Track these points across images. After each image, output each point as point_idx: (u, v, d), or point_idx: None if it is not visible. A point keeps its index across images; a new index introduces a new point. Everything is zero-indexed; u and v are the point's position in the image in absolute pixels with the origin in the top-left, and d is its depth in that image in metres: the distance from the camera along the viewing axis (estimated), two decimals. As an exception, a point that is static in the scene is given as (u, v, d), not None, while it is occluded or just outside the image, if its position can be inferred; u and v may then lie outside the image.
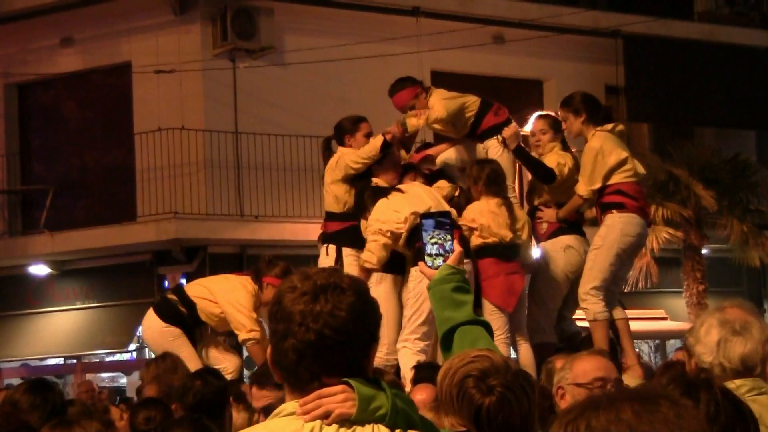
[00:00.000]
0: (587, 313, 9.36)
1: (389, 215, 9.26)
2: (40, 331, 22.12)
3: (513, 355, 9.37)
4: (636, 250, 9.86)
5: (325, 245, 10.06)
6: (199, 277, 19.84)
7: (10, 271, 22.03)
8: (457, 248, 4.35)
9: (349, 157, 9.74)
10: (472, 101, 9.93)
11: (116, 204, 21.37)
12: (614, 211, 9.34)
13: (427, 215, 4.48)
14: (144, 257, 20.90)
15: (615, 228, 9.33)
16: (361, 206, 9.59)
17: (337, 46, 20.29)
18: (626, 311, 10.04)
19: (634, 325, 9.79)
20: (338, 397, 3.09)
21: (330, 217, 10.09)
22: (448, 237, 4.33)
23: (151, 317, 10.09)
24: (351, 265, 9.69)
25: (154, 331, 9.99)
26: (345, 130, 9.95)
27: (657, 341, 24.71)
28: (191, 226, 20.26)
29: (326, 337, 3.11)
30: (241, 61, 20.62)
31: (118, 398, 15.84)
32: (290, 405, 3.15)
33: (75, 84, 22.21)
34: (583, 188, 9.47)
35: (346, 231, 9.90)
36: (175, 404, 6.55)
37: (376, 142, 9.66)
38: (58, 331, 21.96)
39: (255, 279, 9.87)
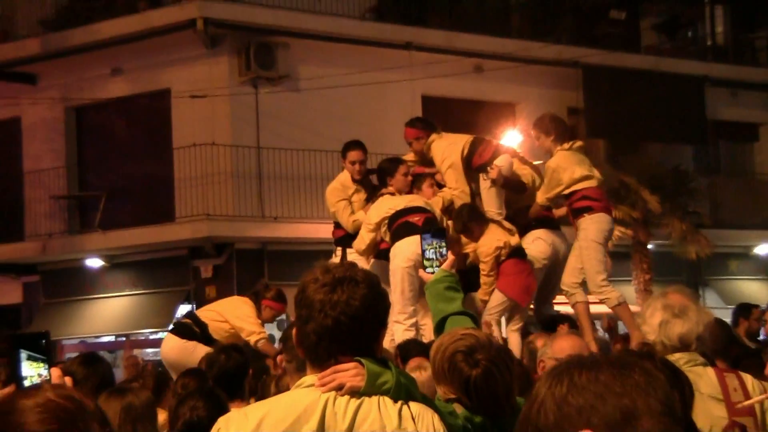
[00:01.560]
0: (608, 302, 9.40)
1: (375, 213, 9.44)
2: (95, 313, 22.11)
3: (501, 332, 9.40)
4: (608, 241, 9.93)
5: (336, 247, 10.20)
6: (227, 269, 19.87)
7: (70, 263, 22.02)
8: (450, 256, 4.50)
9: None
10: (462, 150, 9.83)
11: (158, 207, 21.34)
12: (585, 215, 9.40)
13: (426, 229, 4.64)
14: (181, 252, 20.88)
15: (590, 228, 9.37)
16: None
17: (343, 75, 20.26)
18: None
19: (591, 309, 9.78)
20: (350, 372, 3.13)
21: (337, 225, 10.20)
22: (443, 244, 4.50)
23: (169, 339, 9.97)
24: (354, 261, 9.73)
25: (174, 349, 9.80)
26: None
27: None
28: (220, 225, 20.24)
29: (342, 323, 3.15)
30: (262, 87, 20.61)
31: (160, 369, 15.76)
32: (310, 378, 3.19)
33: (123, 107, 22.19)
34: (541, 197, 9.59)
35: (348, 236, 9.96)
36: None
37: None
38: (109, 313, 21.94)
39: (255, 301, 9.89)
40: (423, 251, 4.53)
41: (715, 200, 25.51)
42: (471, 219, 9.39)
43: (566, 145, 9.63)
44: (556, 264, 9.93)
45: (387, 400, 3.17)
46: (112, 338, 22.95)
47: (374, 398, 3.16)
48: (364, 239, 9.52)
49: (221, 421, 3.19)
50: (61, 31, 21.56)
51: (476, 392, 3.93)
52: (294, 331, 3.27)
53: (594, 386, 1.88)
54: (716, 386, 4.84)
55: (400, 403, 3.18)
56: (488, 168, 9.68)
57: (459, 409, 3.86)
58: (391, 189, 9.73)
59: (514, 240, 9.39)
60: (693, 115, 25.10)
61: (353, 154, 10.00)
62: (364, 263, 9.45)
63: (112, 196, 21.91)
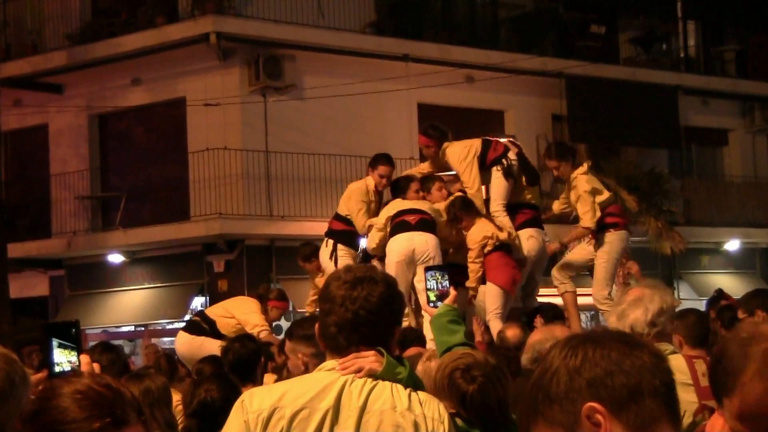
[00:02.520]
0: (607, 315, 9.46)
1: (384, 214, 9.40)
2: (116, 305, 22.09)
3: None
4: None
5: (327, 238, 10.04)
6: (238, 264, 19.89)
7: (93, 259, 22.00)
8: (452, 292, 4.53)
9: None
10: (476, 150, 9.77)
11: (174, 207, 21.32)
12: (611, 230, 9.52)
13: (429, 267, 4.75)
14: (195, 248, 20.86)
15: (614, 244, 9.54)
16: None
17: (345, 84, 20.24)
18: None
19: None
20: (370, 358, 3.18)
21: (337, 217, 10.03)
22: (446, 277, 4.54)
23: (180, 336, 10.02)
24: (342, 258, 9.71)
25: (184, 345, 9.84)
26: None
27: (592, 312, 24.66)
28: (232, 223, 20.22)
29: (360, 316, 3.21)
30: (270, 96, 20.58)
31: (176, 357, 15.72)
32: (331, 362, 3.24)
33: (142, 114, 22.17)
34: (590, 222, 9.55)
35: (344, 232, 9.86)
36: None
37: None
38: (129, 305, 21.92)
39: (261, 302, 9.91)
40: (426, 283, 4.57)
41: (687, 200, 25.51)
42: (462, 209, 9.34)
43: (583, 169, 9.72)
44: (539, 260, 9.97)
45: (399, 386, 3.21)
46: (131, 328, 22.92)
47: (388, 383, 3.20)
48: (374, 239, 9.43)
49: (246, 395, 3.24)
50: (85, 45, 21.53)
51: (473, 406, 3.96)
52: (317, 324, 3.32)
53: (605, 362, 1.89)
54: (686, 372, 4.80)
55: (410, 389, 3.23)
56: (502, 161, 9.66)
57: (458, 422, 3.87)
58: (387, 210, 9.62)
59: (502, 235, 9.34)
60: (667, 121, 25.09)
61: (383, 169, 9.86)
62: (351, 261, 9.50)
63: (132, 197, 21.90)
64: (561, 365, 1.91)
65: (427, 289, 4.55)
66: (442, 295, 4.50)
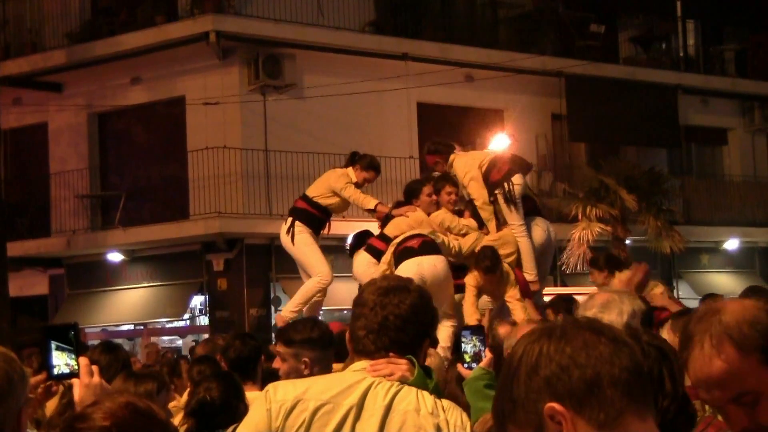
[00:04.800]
0: None
1: (387, 255, 9.25)
2: (115, 304, 22.08)
3: None
4: None
5: (289, 216, 10.22)
6: (237, 263, 19.82)
7: (92, 257, 22.00)
8: (488, 353, 4.47)
9: (355, 195, 9.86)
10: (481, 164, 9.71)
11: (173, 205, 21.32)
12: None
13: (465, 327, 4.65)
14: (194, 247, 20.85)
15: None
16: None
17: (344, 83, 20.25)
18: (568, 288, 10.08)
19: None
20: (403, 366, 3.20)
21: (304, 198, 10.20)
22: (482, 339, 4.48)
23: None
24: (298, 233, 9.92)
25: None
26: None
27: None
28: (231, 222, 20.22)
29: (389, 321, 3.24)
30: (270, 95, 20.58)
31: (175, 355, 15.75)
32: (360, 363, 3.26)
33: (142, 113, 22.16)
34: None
35: (305, 212, 10.05)
36: (219, 356, 6.53)
37: (368, 203, 9.77)
38: (129, 304, 21.92)
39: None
40: (461, 346, 4.49)
41: (687, 199, 25.52)
42: (489, 262, 9.14)
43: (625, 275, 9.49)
44: (545, 250, 9.97)
45: (424, 392, 3.23)
46: (131, 327, 22.91)
47: (413, 389, 3.21)
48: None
49: (271, 386, 3.26)
50: (85, 43, 21.53)
51: None
52: (348, 328, 3.38)
53: (560, 357, 1.82)
54: None
55: (434, 396, 3.24)
56: (504, 184, 9.54)
57: None
58: (405, 210, 9.58)
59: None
60: (667, 120, 25.09)
61: (371, 175, 10.06)
62: (308, 237, 9.82)
63: (131, 196, 21.89)
64: (520, 364, 1.85)
65: (463, 351, 4.47)
66: (476, 357, 4.40)
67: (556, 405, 1.80)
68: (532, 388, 1.82)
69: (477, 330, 4.56)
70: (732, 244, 26.57)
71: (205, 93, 20.23)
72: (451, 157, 9.75)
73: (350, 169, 10.05)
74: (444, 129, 22.52)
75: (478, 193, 9.54)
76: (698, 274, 26.06)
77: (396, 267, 8.96)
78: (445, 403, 3.24)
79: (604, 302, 4.58)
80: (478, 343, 4.42)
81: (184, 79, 21.03)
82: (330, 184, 10.05)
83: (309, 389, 3.18)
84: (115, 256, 21.81)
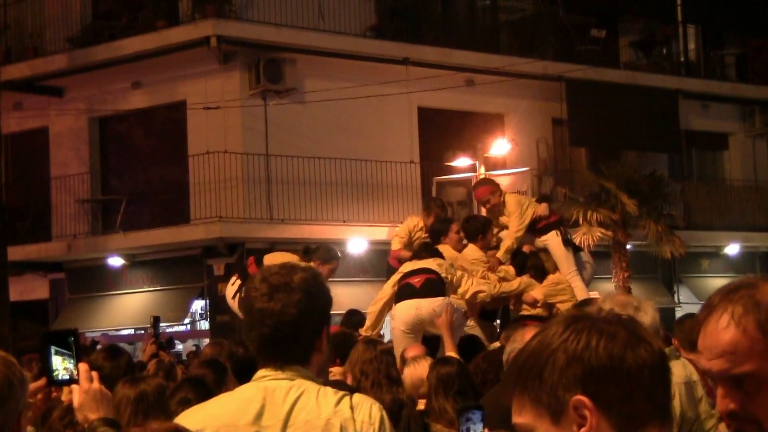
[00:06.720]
0: None
1: (389, 283, 9.44)
2: (116, 308, 22.08)
3: None
4: None
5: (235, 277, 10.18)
6: (238, 267, 20.00)
7: (93, 262, 22.00)
8: None
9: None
10: (534, 208, 10.13)
11: (174, 210, 21.32)
12: None
13: (465, 407, 4.53)
14: (195, 251, 20.85)
15: None
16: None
17: (345, 88, 20.26)
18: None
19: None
20: None
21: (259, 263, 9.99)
22: (481, 418, 4.28)
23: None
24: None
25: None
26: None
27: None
28: (232, 227, 20.22)
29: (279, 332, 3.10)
30: (270, 99, 20.60)
31: (175, 359, 15.72)
32: (261, 372, 3.16)
33: (142, 118, 22.18)
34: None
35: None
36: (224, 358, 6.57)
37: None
38: (129, 308, 21.91)
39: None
40: (459, 425, 4.41)
41: (687, 204, 25.50)
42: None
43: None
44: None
45: (327, 390, 3.08)
46: (131, 331, 22.90)
47: (314, 389, 3.06)
48: (373, 310, 9.47)
49: (180, 417, 3.13)
50: (86, 48, 21.54)
51: None
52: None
53: (606, 355, 1.83)
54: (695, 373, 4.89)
55: (341, 393, 3.08)
56: (560, 227, 10.13)
57: None
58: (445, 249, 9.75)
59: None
60: (667, 125, 25.09)
61: (456, 225, 10.13)
62: None
63: (132, 200, 21.90)
64: (560, 348, 1.84)
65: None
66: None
67: (587, 400, 1.80)
68: (568, 375, 1.81)
69: (478, 410, 4.42)
70: (733, 249, 26.56)
71: (206, 97, 20.24)
72: (504, 190, 10.39)
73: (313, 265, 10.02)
74: (445, 134, 22.57)
75: (520, 225, 9.90)
76: (699, 279, 26.04)
77: (396, 301, 9.03)
78: (356, 398, 3.09)
79: (624, 303, 4.62)
80: (476, 425, 4.30)
81: (185, 83, 21.04)
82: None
83: (207, 415, 3.05)
84: (115, 261, 21.82)
